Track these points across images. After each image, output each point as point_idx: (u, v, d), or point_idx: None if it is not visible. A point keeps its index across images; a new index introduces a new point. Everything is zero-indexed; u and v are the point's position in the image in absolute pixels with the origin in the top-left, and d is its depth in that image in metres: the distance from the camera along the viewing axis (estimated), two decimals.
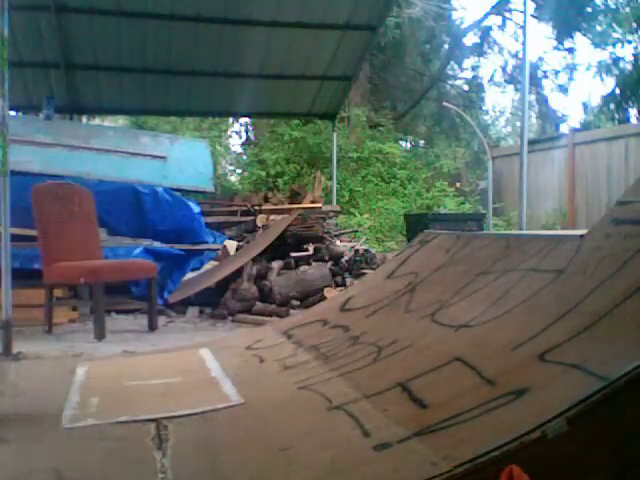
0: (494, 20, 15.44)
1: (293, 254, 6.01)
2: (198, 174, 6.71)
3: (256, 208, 7.54)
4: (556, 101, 23.75)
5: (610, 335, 1.72)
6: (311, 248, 6.12)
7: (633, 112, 13.84)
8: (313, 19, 7.34)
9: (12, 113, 7.03)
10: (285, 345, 3.07)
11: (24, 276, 4.60)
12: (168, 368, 2.99)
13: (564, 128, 15.45)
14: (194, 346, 3.51)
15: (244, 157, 14.70)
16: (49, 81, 7.63)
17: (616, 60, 13.92)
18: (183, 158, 6.65)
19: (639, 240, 2.04)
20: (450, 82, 16.28)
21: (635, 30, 13.41)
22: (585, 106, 16.96)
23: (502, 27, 15.70)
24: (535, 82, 15.10)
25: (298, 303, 5.43)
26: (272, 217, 7.07)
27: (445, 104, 12.99)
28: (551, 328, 1.92)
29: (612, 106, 13.75)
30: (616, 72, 13.93)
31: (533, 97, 15.79)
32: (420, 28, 14.45)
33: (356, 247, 6.50)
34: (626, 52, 13.92)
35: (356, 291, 3.63)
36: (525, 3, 6.47)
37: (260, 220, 7.07)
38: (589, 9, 13.69)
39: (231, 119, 15.05)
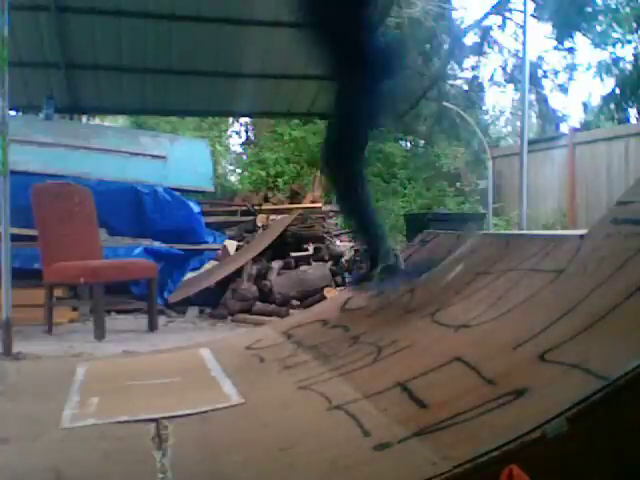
0: (494, 20, 15.45)
1: (293, 254, 6.01)
2: (198, 174, 6.71)
3: (256, 208, 7.55)
4: (556, 101, 23.67)
5: (610, 335, 1.71)
6: (311, 248, 6.12)
7: (633, 112, 13.84)
8: None
9: (12, 113, 7.03)
10: (285, 345, 3.06)
11: (24, 276, 4.60)
12: (168, 368, 2.98)
13: (564, 128, 15.44)
14: (194, 346, 3.50)
15: (244, 157, 14.70)
16: (49, 81, 7.63)
17: (616, 60, 13.90)
18: (183, 158, 6.65)
19: (639, 240, 2.04)
20: (450, 82, 16.27)
21: (635, 30, 13.40)
22: (585, 106, 16.94)
23: (502, 27, 15.70)
24: (535, 82, 15.08)
25: (298, 303, 5.43)
26: (272, 217, 7.08)
27: (445, 104, 12.98)
28: (551, 328, 1.91)
29: (612, 106, 13.75)
30: (616, 72, 13.91)
31: (533, 97, 15.76)
32: (420, 28, 14.43)
33: (356, 247, 6.50)
34: (626, 52, 13.91)
35: None
36: (525, 3, 6.50)
37: (260, 220, 7.08)
38: (589, 9, 13.68)
39: (231, 119, 15.05)
